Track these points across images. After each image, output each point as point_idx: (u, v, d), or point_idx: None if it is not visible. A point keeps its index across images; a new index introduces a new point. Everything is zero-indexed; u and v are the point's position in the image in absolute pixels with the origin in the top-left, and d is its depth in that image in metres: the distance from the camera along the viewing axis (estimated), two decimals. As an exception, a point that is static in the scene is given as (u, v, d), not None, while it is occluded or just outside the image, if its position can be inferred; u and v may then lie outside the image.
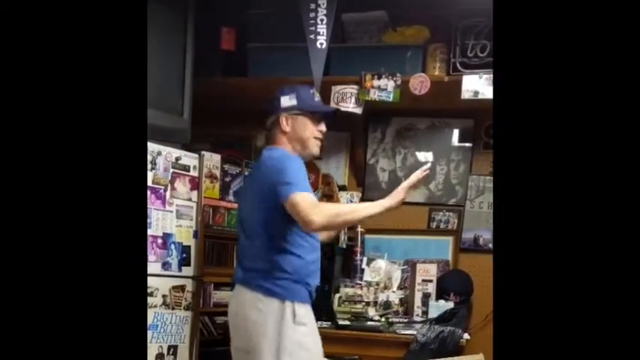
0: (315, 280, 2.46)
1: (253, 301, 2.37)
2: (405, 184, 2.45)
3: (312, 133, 2.49)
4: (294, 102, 2.48)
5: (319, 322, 3.01)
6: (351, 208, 2.38)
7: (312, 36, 2.93)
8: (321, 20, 2.92)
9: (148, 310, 2.82)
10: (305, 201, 2.25)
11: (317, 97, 2.55)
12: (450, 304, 3.26)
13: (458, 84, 3.08)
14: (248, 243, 2.45)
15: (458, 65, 3.16)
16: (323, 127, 2.52)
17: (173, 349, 2.95)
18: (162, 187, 2.93)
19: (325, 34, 2.92)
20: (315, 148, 2.52)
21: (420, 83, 3.13)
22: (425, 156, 3.68)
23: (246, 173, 3.46)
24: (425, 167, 2.50)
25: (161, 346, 2.90)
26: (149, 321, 2.83)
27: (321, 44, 2.93)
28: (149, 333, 2.83)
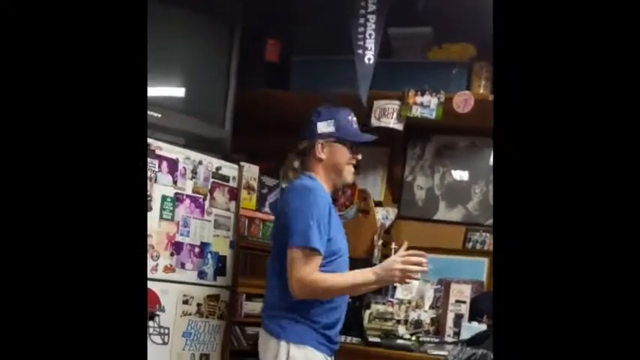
0: (328, 318, 2.36)
1: (261, 338, 2.39)
2: (400, 260, 2.29)
3: (348, 161, 2.43)
4: (332, 129, 2.41)
5: (349, 338, 3.02)
6: (336, 281, 2.29)
7: (360, 51, 2.92)
8: (370, 35, 2.90)
9: (183, 318, 2.83)
10: (298, 262, 2.22)
11: (355, 124, 2.47)
12: (483, 327, 3.18)
13: (502, 103, 3.04)
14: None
15: (504, 84, 3.12)
16: (359, 156, 2.47)
17: (205, 358, 2.94)
18: (202, 197, 2.93)
19: (373, 48, 2.90)
20: (349, 176, 2.46)
21: (463, 101, 3.09)
22: (464, 175, 3.65)
23: (284, 186, 3.45)
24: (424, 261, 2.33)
25: (193, 354, 2.89)
26: (184, 328, 2.84)
27: (369, 59, 2.91)
28: (183, 340, 2.83)
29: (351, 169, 2.46)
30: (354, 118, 2.49)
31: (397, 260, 2.29)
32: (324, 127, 2.41)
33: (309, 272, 2.24)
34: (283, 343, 2.29)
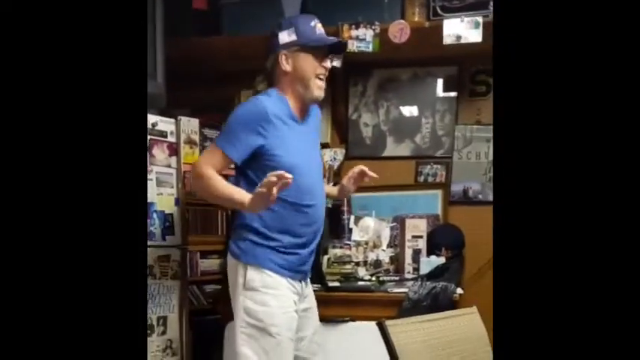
0: (292, 238, 2.27)
1: (227, 261, 2.35)
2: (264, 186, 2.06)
3: (315, 70, 2.27)
4: (293, 37, 2.25)
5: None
6: (217, 185, 2.20)
7: (286, -14, 2.83)
8: (294, -31, 2.82)
9: (134, 281, 2.76)
10: (205, 155, 2.29)
11: (319, 30, 2.31)
12: (442, 260, 3.20)
13: (439, 29, 2.98)
14: None
15: (438, 9, 3.05)
16: (327, 63, 2.30)
17: (163, 320, 2.89)
18: (140, 155, 2.83)
19: (299, -16, 2.82)
20: (317, 90, 2.28)
21: (399, 30, 3.02)
22: (410, 109, 3.60)
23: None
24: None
25: (150, 317, 2.84)
26: (136, 292, 2.76)
27: (296, -6, 2.83)
28: (136, 305, 2.77)
29: (320, 83, 2.30)
30: (318, 24, 2.33)
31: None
32: (285, 36, 2.26)
33: (203, 163, 2.25)
34: (241, 265, 2.24)
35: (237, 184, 2.28)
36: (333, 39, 2.34)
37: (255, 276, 2.22)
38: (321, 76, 2.30)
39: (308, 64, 2.27)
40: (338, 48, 2.40)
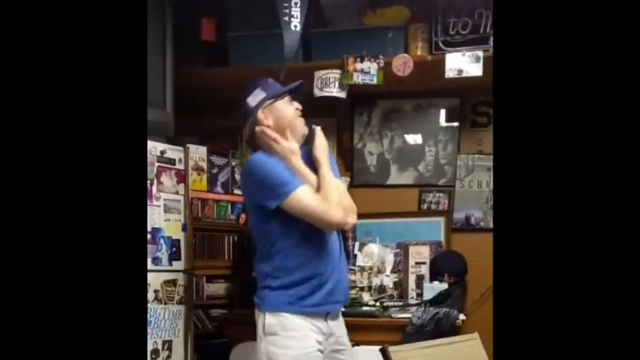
0: (299, 274, 2.26)
1: None
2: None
3: (292, 111, 2.37)
4: (262, 94, 2.37)
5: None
6: (337, 185, 2.32)
7: (286, 18, 2.89)
8: (295, 3, 2.88)
9: (140, 306, 2.80)
10: (312, 198, 2.20)
11: (275, 82, 2.43)
12: (445, 285, 3.23)
13: (441, 63, 3.05)
14: None
15: (440, 44, 3.14)
16: (298, 105, 2.40)
17: (168, 344, 2.93)
18: (149, 182, 2.90)
19: (299, 16, 2.88)
20: (302, 126, 2.38)
21: (402, 64, 3.09)
22: (413, 138, 3.67)
23: (234, 164, 3.45)
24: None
25: (156, 342, 2.87)
26: (142, 317, 2.81)
27: (295, 26, 2.88)
28: (143, 329, 2.81)
29: (301, 119, 2.39)
30: (271, 80, 2.46)
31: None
32: (255, 97, 2.37)
33: (326, 206, 2.22)
34: (260, 313, 2.28)
35: (270, 229, 2.30)
36: (294, 84, 2.43)
37: (272, 320, 2.24)
38: (299, 114, 2.39)
39: (286, 108, 2.37)
40: (299, 89, 2.47)
